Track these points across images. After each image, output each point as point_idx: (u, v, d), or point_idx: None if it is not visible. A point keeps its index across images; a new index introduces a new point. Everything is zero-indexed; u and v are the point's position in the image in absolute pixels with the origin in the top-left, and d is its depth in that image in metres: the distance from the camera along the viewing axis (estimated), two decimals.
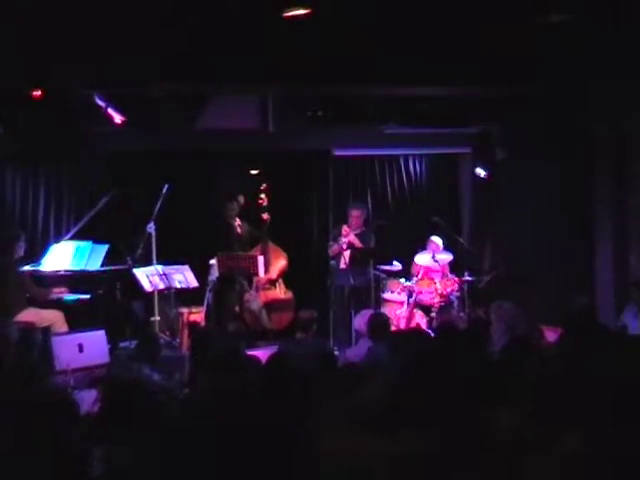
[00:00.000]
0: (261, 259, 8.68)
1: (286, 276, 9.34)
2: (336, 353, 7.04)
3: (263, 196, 9.04)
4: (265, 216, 9.06)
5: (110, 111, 7.64)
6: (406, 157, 10.66)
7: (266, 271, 9.08)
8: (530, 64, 7.28)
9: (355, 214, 9.17)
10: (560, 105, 8.47)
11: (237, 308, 8.94)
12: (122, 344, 7.93)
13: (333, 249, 9.02)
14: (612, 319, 8.06)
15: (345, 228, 8.93)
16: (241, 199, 9.20)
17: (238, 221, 9.22)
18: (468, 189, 10.61)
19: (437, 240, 9.38)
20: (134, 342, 7.63)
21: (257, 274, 8.77)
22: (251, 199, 9.20)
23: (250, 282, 9.16)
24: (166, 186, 8.39)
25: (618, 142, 8.80)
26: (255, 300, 9.10)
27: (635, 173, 8.69)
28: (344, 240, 8.83)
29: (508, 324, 6.55)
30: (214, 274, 8.50)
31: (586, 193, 9.12)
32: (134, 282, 8.07)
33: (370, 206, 10.28)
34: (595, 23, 6.75)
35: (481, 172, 9.86)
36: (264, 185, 9.08)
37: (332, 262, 9.06)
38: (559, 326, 5.92)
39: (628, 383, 3.18)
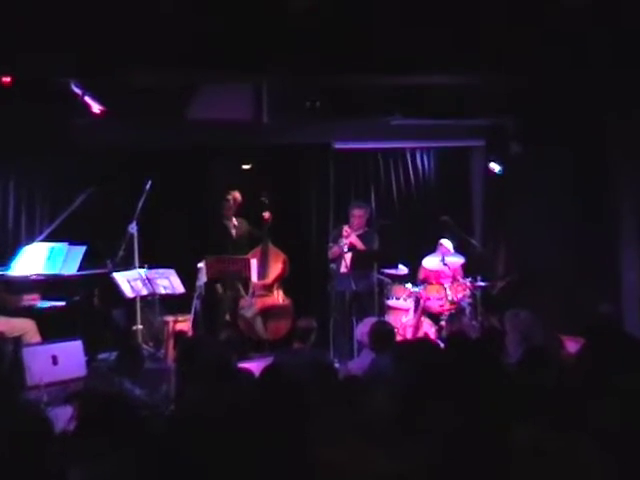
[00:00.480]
0: (254, 262, 8.68)
1: (284, 281, 9.34)
2: (337, 365, 7.04)
3: (264, 193, 9.07)
4: (266, 215, 9.08)
5: (87, 99, 7.62)
6: (413, 151, 10.66)
7: (265, 275, 9.10)
8: (542, 53, 7.28)
9: (357, 213, 9.18)
10: (577, 97, 8.47)
11: (228, 316, 8.94)
12: (101, 356, 7.91)
13: (333, 251, 9.03)
14: (639, 327, 8.05)
15: (346, 229, 8.94)
16: (237, 196, 9.21)
17: (235, 221, 9.24)
18: (480, 185, 10.62)
19: (447, 244, 9.39)
20: (114, 354, 7.62)
21: (249, 279, 8.77)
22: (249, 196, 9.21)
23: (246, 287, 9.17)
24: (150, 182, 8.37)
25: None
26: (250, 307, 9.10)
27: None
28: (345, 242, 8.83)
29: (524, 334, 6.56)
30: (202, 279, 8.49)
31: (608, 190, 9.11)
32: (114, 288, 8.04)
33: (373, 204, 10.27)
34: (605, 11, 6.78)
35: (495, 167, 9.87)
36: (264, 182, 9.10)
37: (332, 266, 9.06)
38: (580, 336, 5.91)
39: None
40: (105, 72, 6.97)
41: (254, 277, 8.73)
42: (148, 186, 8.35)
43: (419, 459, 2.60)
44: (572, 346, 6.64)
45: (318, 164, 10.19)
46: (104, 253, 8.27)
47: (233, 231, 9.24)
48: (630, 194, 8.95)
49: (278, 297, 9.26)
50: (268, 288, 9.22)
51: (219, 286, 9.06)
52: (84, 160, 8.94)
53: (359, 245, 8.96)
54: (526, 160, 9.58)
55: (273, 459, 2.94)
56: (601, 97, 8.33)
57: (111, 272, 8.08)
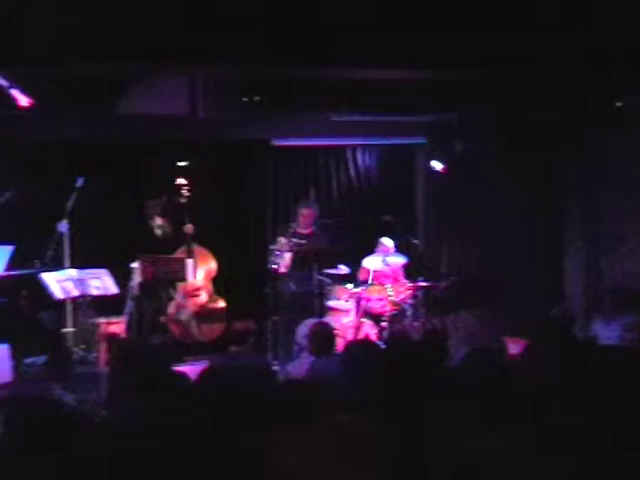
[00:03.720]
0: (189, 262, 8.64)
1: (217, 281, 9.30)
2: (276, 369, 7.03)
3: (185, 192, 9.00)
4: (188, 228, 9.02)
5: (14, 92, 7.47)
6: (354, 148, 10.70)
7: (194, 276, 9.05)
8: (495, 43, 7.34)
9: (305, 213, 9.24)
10: (528, 92, 8.57)
11: (163, 318, 8.88)
12: (28, 360, 7.80)
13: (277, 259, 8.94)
14: (581, 329, 8.21)
15: (281, 240, 8.89)
16: (164, 197, 9.16)
17: (160, 221, 9.18)
18: (423, 184, 10.70)
19: (387, 242, 9.43)
20: (42, 358, 7.53)
21: (185, 279, 8.72)
22: (175, 195, 9.16)
23: (175, 289, 9.10)
24: (81, 179, 8.27)
25: (587, 137, 8.97)
26: (184, 309, 9.04)
27: (608, 172, 8.87)
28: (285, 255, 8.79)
29: (467, 335, 6.66)
30: (136, 279, 8.42)
31: (555, 190, 9.26)
32: (43, 289, 7.94)
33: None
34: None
35: (437, 165, 9.95)
36: (184, 180, 9.02)
37: (271, 265, 9.04)
38: (524, 337, 6.01)
39: (599, 400, 3.24)
40: (31, 63, 6.83)
41: (190, 278, 8.69)
42: (80, 184, 8.24)
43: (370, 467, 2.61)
44: (515, 348, 6.74)
45: (256, 161, 10.17)
46: (32, 253, 8.13)
47: (158, 231, 9.20)
48: (575, 195, 9.13)
49: (210, 298, 9.22)
50: (199, 289, 9.17)
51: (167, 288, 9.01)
52: (11, 155, 8.78)
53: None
54: (470, 158, 9.67)
55: (212, 466, 2.92)
56: (553, 94, 8.45)
57: (40, 272, 7.97)
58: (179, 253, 9.07)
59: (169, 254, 8.98)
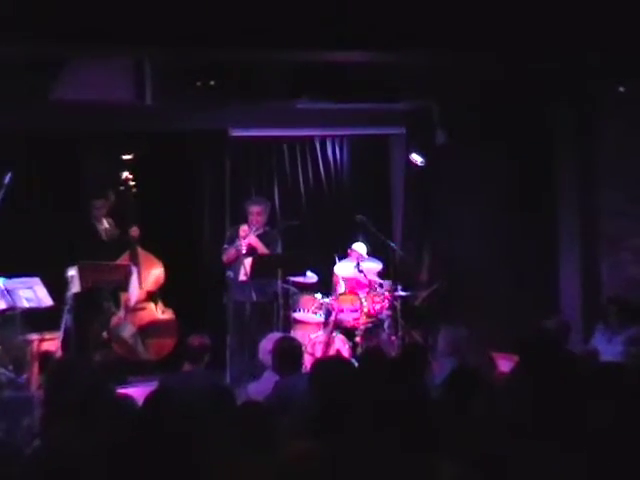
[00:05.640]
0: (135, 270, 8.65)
1: (166, 290, 9.27)
2: (235, 389, 7.02)
3: (130, 190, 8.99)
4: (134, 231, 9.01)
5: None
6: (323, 139, 10.72)
7: (139, 285, 9.02)
8: (477, 26, 7.40)
9: (255, 210, 9.15)
10: (514, 78, 8.64)
11: (105, 333, 8.84)
12: None
13: (229, 254, 8.97)
14: (579, 343, 8.28)
15: (244, 228, 8.91)
16: (112, 196, 9.12)
17: (105, 224, 9.14)
18: (401, 180, 10.74)
19: (360, 248, 9.44)
20: None
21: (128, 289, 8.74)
22: (119, 194, 9.13)
23: (117, 300, 9.06)
24: (9, 175, 8.23)
25: (582, 126, 9.05)
26: (126, 324, 8.99)
27: (605, 165, 8.95)
28: (242, 243, 8.80)
29: (451, 350, 6.70)
30: (74, 289, 8.37)
31: (547, 187, 9.33)
32: None
33: (277, 201, 10.29)
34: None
35: (417, 158, 10.00)
36: (129, 175, 9.00)
37: (229, 273, 9.04)
38: (514, 353, 6.04)
39: (597, 423, 3.28)
40: None
41: (135, 287, 8.69)
42: (8, 179, 8.19)
43: None
44: (505, 364, 6.79)
45: (212, 154, 10.14)
46: None
47: (104, 235, 9.16)
48: (571, 192, 9.19)
49: (157, 310, 9.19)
50: (146, 299, 9.14)
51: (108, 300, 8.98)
52: None
53: (259, 247, 8.95)
54: (453, 150, 9.73)
55: None
56: (542, 81, 8.52)
57: None
58: (123, 259, 9.03)
59: (112, 260, 8.95)
